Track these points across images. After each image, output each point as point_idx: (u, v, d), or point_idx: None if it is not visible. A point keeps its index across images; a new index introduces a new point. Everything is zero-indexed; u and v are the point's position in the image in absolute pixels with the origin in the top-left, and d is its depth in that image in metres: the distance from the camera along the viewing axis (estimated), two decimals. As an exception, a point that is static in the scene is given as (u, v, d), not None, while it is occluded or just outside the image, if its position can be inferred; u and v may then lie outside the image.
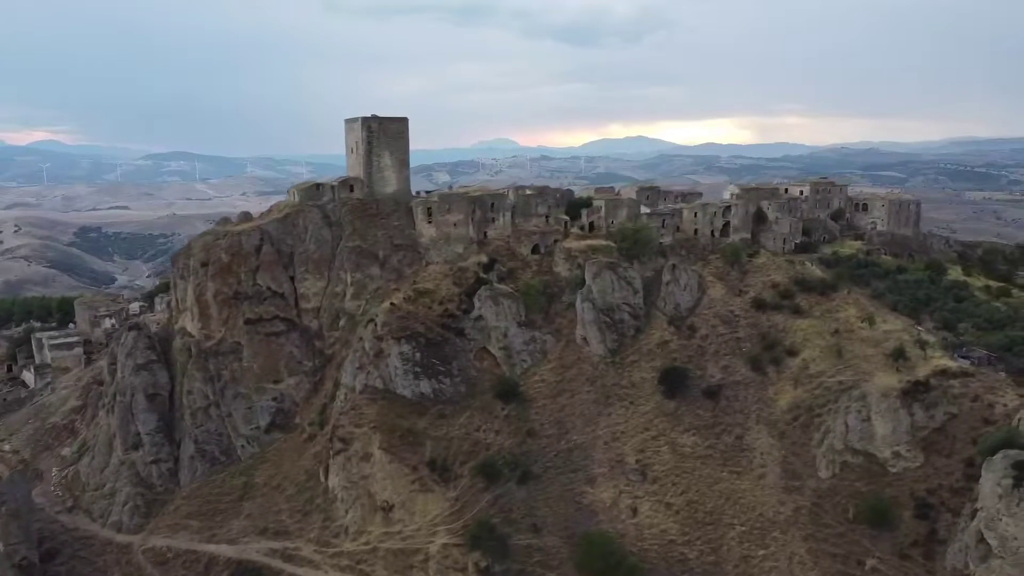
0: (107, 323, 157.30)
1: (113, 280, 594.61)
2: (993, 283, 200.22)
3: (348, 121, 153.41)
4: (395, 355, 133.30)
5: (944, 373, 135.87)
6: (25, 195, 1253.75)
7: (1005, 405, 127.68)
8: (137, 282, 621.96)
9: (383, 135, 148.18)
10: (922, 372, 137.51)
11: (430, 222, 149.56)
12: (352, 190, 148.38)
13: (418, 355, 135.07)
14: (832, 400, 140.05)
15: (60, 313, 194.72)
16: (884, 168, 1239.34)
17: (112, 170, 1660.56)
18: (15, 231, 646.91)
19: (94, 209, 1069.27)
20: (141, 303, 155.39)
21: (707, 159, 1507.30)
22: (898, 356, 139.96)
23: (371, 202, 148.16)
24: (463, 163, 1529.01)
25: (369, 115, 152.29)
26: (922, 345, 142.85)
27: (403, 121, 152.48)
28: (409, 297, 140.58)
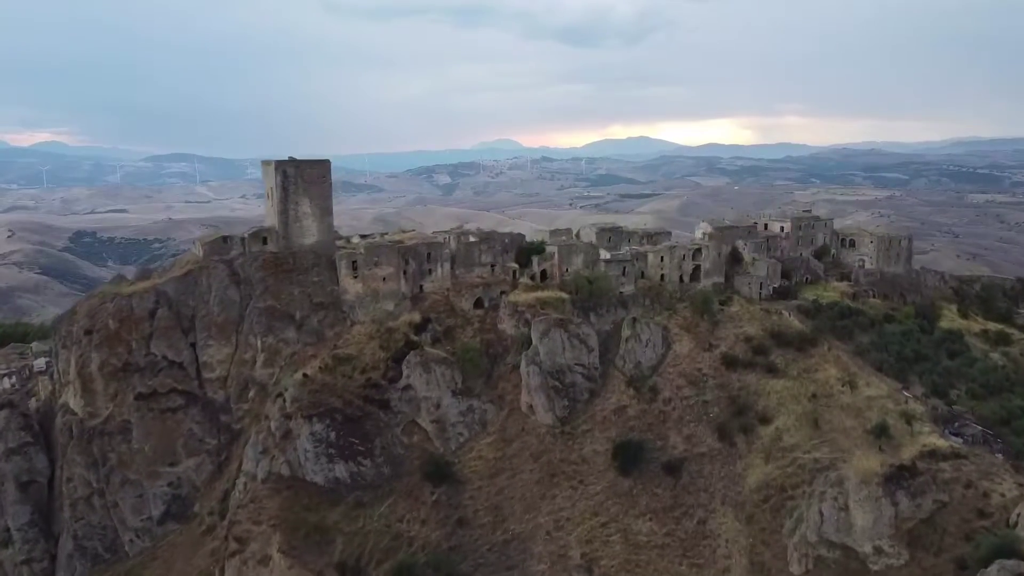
0: (5, 383, 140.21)
1: None
2: (992, 326, 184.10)
3: (264, 164, 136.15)
4: (305, 436, 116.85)
5: (933, 454, 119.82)
6: (24, 197, 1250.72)
7: (1002, 495, 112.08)
8: None
9: (301, 180, 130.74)
10: (908, 453, 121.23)
11: (355, 277, 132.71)
12: (265, 242, 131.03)
13: (333, 435, 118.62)
14: (806, 481, 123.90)
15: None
16: (886, 169, 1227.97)
17: (113, 172, 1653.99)
18: (8, 236, 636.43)
19: (92, 212, 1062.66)
20: (48, 358, 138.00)
21: (708, 160, 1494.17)
22: (881, 433, 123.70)
23: (287, 256, 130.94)
24: (464, 165, 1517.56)
25: (286, 158, 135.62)
26: (908, 419, 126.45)
27: (324, 164, 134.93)
28: (326, 366, 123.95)
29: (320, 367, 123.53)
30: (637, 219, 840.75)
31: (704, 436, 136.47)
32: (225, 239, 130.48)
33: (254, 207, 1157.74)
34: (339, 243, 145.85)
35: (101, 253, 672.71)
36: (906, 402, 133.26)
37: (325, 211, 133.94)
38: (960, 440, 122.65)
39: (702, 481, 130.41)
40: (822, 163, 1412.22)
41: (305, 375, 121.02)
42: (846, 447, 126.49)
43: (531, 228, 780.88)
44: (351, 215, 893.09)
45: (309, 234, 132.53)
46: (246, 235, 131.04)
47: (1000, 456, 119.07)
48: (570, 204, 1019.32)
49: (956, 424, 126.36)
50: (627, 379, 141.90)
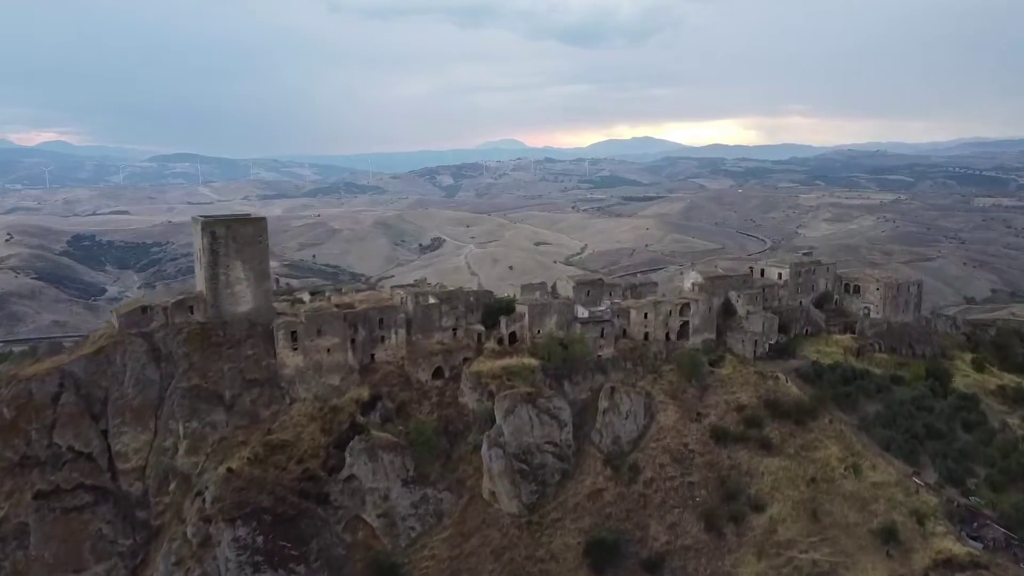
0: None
1: (103, 291, 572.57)
2: (1009, 380, 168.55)
3: (193, 221, 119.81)
4: (227, 543, 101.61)
5: (949, 563, 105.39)
6: (27, 198, 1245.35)
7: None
8: (127, 293, 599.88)
9: (233, 241, 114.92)
10: (920, 561, 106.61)
11: (295, 348, 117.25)
12: (192, 312, 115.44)
13: (260, 539, 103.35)
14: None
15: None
16: (891, 171, 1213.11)
17: (117, 172, 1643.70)
18: (7, 240, 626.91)
19: (94, 214, 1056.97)
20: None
21: (712, 161, 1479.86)
22: (889, 538, 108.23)
23: (217, 326, 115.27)
24: (467, 166, 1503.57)
25: (214, 216, 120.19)
26: (920, 518, 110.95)
27: (259, 223, 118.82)
28: (256, 456, 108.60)
29: (249, 458, 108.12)
30: (640, 222, 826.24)
31: (689, 525, 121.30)
32: (144, 309, 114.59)
33: (257, 209, 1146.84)
34: (282, 303, 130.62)
35: (99, 257, 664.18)
36: (917, 491, 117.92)
37: (261, 275, 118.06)
38: (980, 545, 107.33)
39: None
40: (827, 164, 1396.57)
41: (230, 469, 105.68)
42: (849, 550, 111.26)
43: (531, 231, 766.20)
44: (352, 219, 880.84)
45: (243, 301, 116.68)
46: (169, 304, 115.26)
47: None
48: (572, 207, 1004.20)
49: (975, 525, 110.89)
50: (604, 457, 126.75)
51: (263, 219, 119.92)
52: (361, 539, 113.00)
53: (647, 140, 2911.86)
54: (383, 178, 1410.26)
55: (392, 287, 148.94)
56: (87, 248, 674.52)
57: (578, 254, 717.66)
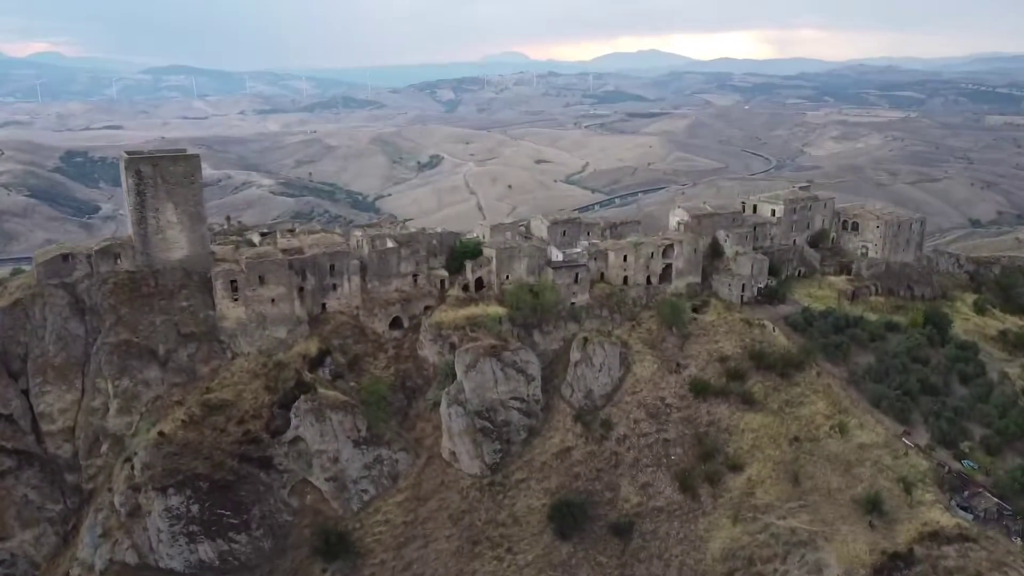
0: None
1: (97, 209, 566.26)
2: (1012, 323, 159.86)
3: (123, 157, 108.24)
4: (158, 513, 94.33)
5: (935, 536, 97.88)
6: (19, 112, 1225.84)
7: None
8: (121, 211, 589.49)
9: (162, 181, 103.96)
10: (905, 534, 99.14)
11: (236, 299, 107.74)
12: (118, 260, 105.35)
13: (196, 508, 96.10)
14: (779, 556, 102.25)
15: None
16: (902, 88, 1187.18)
17: (110, 85, 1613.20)
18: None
19: (87, 128, 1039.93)
20: None
21: (719, 76, 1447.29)
22: (873, 507, 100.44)
23: (147, 276, 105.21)
24: (468, 80, 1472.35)
25: (144, 153, 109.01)
26: (907, 486, 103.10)
27: (191, 160, 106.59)
28: (192, 418, 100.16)
29: (183, 420, 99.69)
30: (643, 140, 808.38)
31: (662, 486, 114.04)
32: (65, 257, 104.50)
33: (253, 123, 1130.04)
34: (228, 245, 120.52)
35: (93, 174, 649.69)
36: (906, 454, 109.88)
37: (196, 218, 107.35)
38: (970, 516, 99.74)
39: (656, 545, 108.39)
40: (837, 80, 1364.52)
41: (161, 434, 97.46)
42: (830, 518, 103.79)
43: (531, 148, 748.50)
44: (349, 135, 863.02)
45: (176, 247, 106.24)
46: (93, 251, 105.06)
47: (1018, 540, 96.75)
48: (575, 124, 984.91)
49: (966, 494, 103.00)
50: (575, 413, 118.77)
51: (196, 156, 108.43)
52: (310, 504, 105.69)
53: (653, 53, 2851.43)
54: (382, 92, 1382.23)
55: (342, 232, 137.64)
56: (80, 165, 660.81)
57: (579, 172, 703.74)
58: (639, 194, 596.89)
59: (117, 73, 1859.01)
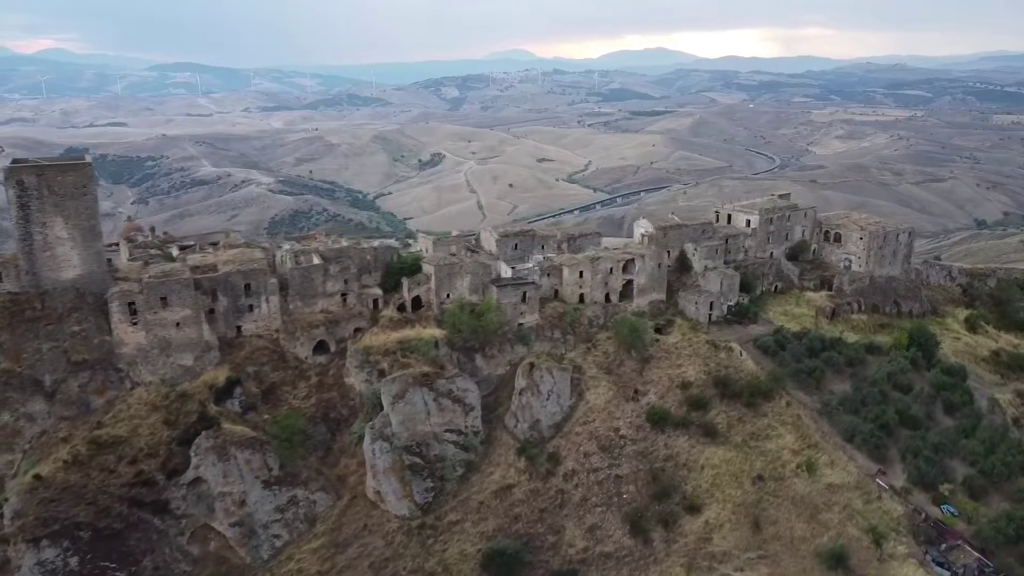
0: None
1: None
2: (1006, 342, 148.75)
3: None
4: (29, 568, 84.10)
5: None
6: (23, 109, 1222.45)
7: (1000, 673, 78.21)
8: (120, 209, 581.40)
9: (49, 192, 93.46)
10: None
11: (135, 323, 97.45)
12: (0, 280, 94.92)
13: (74, 561, 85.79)
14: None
15: None
16: (910, 86, 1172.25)
17: (116, 82, 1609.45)
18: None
19: (91, 125, 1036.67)
20: None
21: (725, 75, 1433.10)
22: (838, 563, 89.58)
23: (32, 298, 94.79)
24: (473, 77, 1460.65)
25: (27, 160, 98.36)
26: (878, 537, 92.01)
27: (82, 169, 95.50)
28: (76, 457, 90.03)
29: (66, 461, 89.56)
30: (646, 138, 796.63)
31: (612, 528, 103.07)
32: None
33: (256, 121, 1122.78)
34: (137, 260, 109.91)
35: (93, 172, 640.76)
36: (879, 497, 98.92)
37: (90, 233, 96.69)
38: (947, 573, 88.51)
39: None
40: (843, 78, 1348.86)
41: (37, 477, 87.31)
42: (791, 572, 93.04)
43: (534, 146, 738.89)
44: (350, 133, 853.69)
45: (67, 266, 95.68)
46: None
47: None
48: (578, 122, 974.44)
49: (943, 546, 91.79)
50: (519, 445, 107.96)
51: (88, 164, 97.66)
52: (213, 551, 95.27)
53: (660, 51, 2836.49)
54: (387, 90, 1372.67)
55: (264, 246, 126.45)
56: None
57: (581, 171, 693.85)
58: (641, 193, 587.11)
59: (123, 70, 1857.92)
